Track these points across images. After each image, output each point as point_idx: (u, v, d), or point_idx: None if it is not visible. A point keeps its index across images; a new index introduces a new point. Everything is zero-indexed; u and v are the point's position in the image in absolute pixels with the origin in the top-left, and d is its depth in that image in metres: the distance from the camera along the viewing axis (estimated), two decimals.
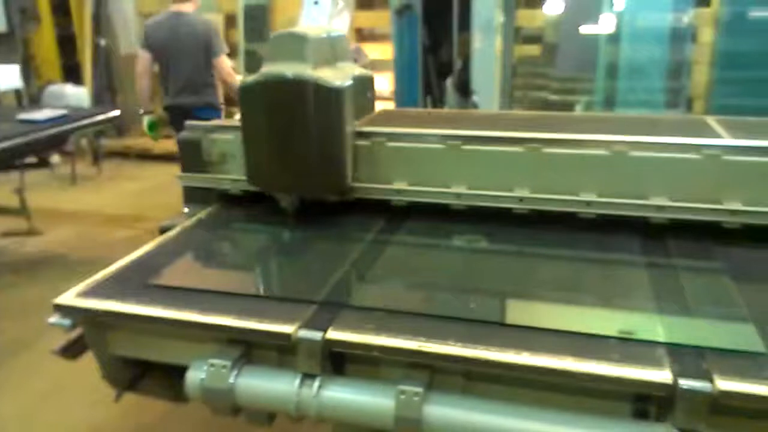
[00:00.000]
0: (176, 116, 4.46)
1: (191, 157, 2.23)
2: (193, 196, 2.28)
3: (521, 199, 1.90)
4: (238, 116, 1.97)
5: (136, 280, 1.64)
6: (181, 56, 4.41)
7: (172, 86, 4.50)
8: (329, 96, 1.85)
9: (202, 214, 2.16)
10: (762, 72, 5.73)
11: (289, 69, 1.85)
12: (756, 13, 5.74)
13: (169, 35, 4.41)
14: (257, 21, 7.29)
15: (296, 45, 1.89)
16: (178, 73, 4.45)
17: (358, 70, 2.08)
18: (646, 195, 1.83)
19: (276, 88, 1.86)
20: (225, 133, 2.19)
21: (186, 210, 2.25)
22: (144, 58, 4.58)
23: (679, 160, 1.81)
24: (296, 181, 1.96)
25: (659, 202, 1.81)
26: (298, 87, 1.83)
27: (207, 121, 4.73)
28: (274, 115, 1.88)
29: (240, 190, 2.17)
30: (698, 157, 1.79)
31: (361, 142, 2.01)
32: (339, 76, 1.91)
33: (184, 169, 2.26)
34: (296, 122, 1.86)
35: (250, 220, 2.14)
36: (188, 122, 2.31)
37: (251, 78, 1.89)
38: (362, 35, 7.09)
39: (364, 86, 2.12)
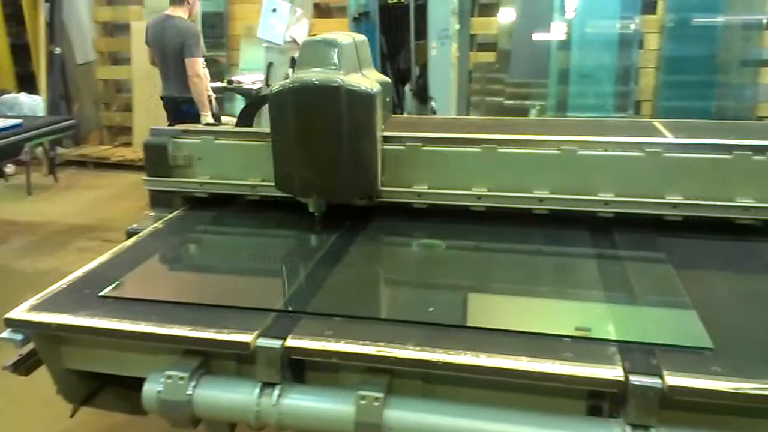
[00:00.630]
0: (166, 105, 5.11)
1: (156, 162, 2.23)
2: (158, 200, 2.28)
3: (479, 197, 1.98)
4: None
5: (91, 292, 1.61)
6: (166, 54, 4.93)
7: (161, 79, 5.09)
8: (361, 101, 1.87)
9: (159, 223, 2.14)
10: (704, 75, 5.95)
11: (320, 75, 1.87)
12: (698, 20, 5.97)
13: (159, 35, 4.94)
14: (215, 29, 7.24)
15: (327, 51, 1.92)
16: (164, 68, 5.01)
17: (381, 76, 2.10)
18: (594, 191, 1.92)
19: (308, 95, 1.87)
20: (191, 137, 2.21)
21: (152, 213, 2.25)
22: (148, 51, 5.20)
23: (623, 157, 1.91)
24: (326, 186, 1.97)
25: (606, 197, 1.91)
26: (330, 93, 1.85)
27: (191, 114, 4.78)
28: (306, 120, 1.89)
29: (206, 193, 2.20)
30: (641, 154, 1.89)
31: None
32: (368, 81, 1.94)
33: (150, 174, 2.26)
34: (328, 127, 1.88)
35: (210, 225, 2.14)
36: (152, 127, 2.32)
37: (281, 85, 1.90)
38: None
39: (387, 91, 2.14)
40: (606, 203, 1.92)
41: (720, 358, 1.26)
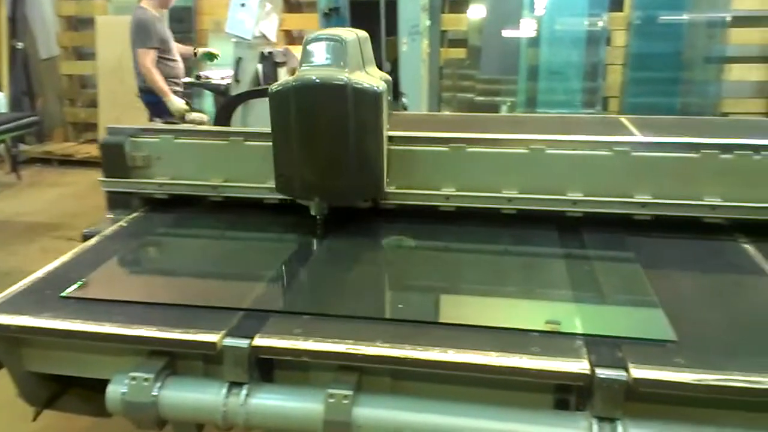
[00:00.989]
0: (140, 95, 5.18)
1: (114, 161, 2.16)
2: (116, 201, 2.20)
3: (447, 197, 1.96)
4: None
5: (52, 293, 1.57)
6: (131, 43, 5.04)
7: None
8: (368, 100, 1.78)
9: (123, 221, 2.10)
10: (670, 72, 6.06)
11: (325, 73, 1.79)
12: (664, 17, 6.08)
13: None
14: (183, 23, 7.13)
15: (331, 48, 1.83)
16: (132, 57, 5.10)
17: (383, 74, 2.04)
18: (563, 190, 1.91)
19: (311, 93, 1.78)
20: (149, 136, 2.14)
21: (109, 216, 2.18)
22: None
23: (591, 156, 1.90)
24: (330, 188, 1.89)
25: (574, 197, 1.90)
26: (335, 91, 1.77)
27: (149, 103, 4.95)
28: (309, 120, 1.81)
29: (166, 194, 2.13)
30: (609, 153, 1.88)
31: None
32: (373, 79, 1.86)
33: (107, 174, 2.18)
34: (332, 127, 1.80)
35: (173, 226, 2.09)
36: (109, 125, 2.24)
37: (283, 83, 1.81)
38: (291, 38, 7.05)
39: (389, 89, 2.05)
40: (574, 203, 1.91)
41: (684, 351, 1.29)
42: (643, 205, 1.87)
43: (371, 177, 1.88)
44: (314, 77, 1.78)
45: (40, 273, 1.69)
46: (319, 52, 1.84)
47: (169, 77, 5.07)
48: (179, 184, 2.12)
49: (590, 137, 1.95)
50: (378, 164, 1.87)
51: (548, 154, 1.92)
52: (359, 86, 1.77)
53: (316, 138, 1.83)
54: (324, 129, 1.82)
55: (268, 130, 1.87)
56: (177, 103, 4.94)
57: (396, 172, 2.00)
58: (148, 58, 4.91)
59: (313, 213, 1.94)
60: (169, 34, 5.19)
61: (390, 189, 1.99)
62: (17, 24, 7.33)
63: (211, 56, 5.47)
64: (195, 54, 5.51)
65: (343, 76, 1.77)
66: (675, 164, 1.87)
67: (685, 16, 6.05)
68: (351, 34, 1.91)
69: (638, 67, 6.13)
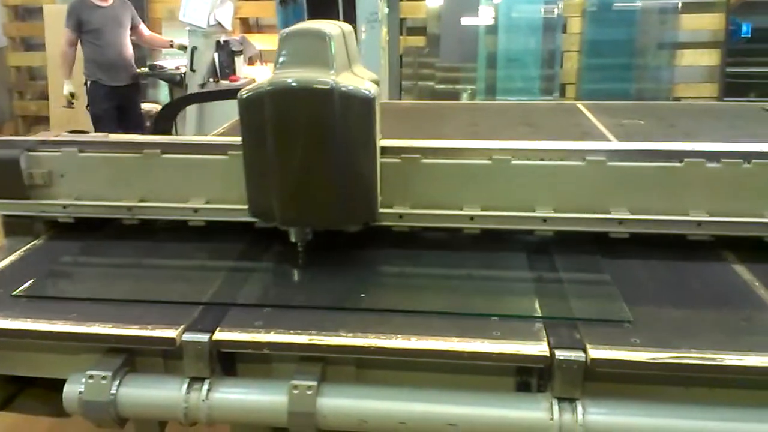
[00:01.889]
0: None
1: (7, 180, 1.82)
2: (15, 226, 1.89)
3: (401, 216, 1.73)
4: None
5: (3, 292, 1.52)
6: None
7: None
8: (358, 107, 1.51)
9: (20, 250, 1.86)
10: (624, 58, 6.19)
11: (306, 75, 1.51)
12: (619, 4, 6.20)
13: None
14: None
15: (314, 45, 1.55)
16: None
17: (370, 74, 1.73)
18: (531, 206, 1.70)
19: (291, 99, 1.51)
20: (50, 149, 1.84)
21: (3, 243, 1.88)
22: None
23: (562, 167, 1.68)
24: (314, 211, 1.62)
25: (544, 214, 1.69)
26: (319, 97, 1.49)
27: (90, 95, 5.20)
28: (288, 131, 1.53)
29: (72, 217, 1.85)
30: (582, 163, 1.67)
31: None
32: (362, 81, 1.58)
33: (0, 195, 1.86)
34: (316, 140, 1.53)
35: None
36: (2, 138, 1.98)
37: (255, 87, 1.54)
38: (247, 26, 6.95)
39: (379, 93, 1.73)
40: (544, 220, 1.68)
41: (640, 331, 1.31)
42: (621, 221, 1.66)
43: (364, 197, 1.62)
44: (293, 80, 1.51)
45: None
46: (298, 50, 1.56)
47: (94, 60, 5.19)
48: (87, 205, 1.84)
49: (561, 145, 1.74)
50: (371, 182, 1.61)
51: (514, 165, 1.69)
52: (347, 90, 1.50)
53: (296, 153, 1.55)
54: (306, 142, 1.54)
55: (191, 139, 1.70)
56: (64, 88, 5.23)
57: None
58: (64, 37, 5.20)
59: (293, 240, 1.69)
60: (107, 20, 5.19)
61: None
62: None
63: (184, 48, 5.57)
64: (171, 45, 5.66)
65: (327, 78, 1.50)
66: (655, 175, 1.66)
67: (638, 3, 6.18)
68: (335, 28, 1.62)
69: (593, 54, 6.24)
